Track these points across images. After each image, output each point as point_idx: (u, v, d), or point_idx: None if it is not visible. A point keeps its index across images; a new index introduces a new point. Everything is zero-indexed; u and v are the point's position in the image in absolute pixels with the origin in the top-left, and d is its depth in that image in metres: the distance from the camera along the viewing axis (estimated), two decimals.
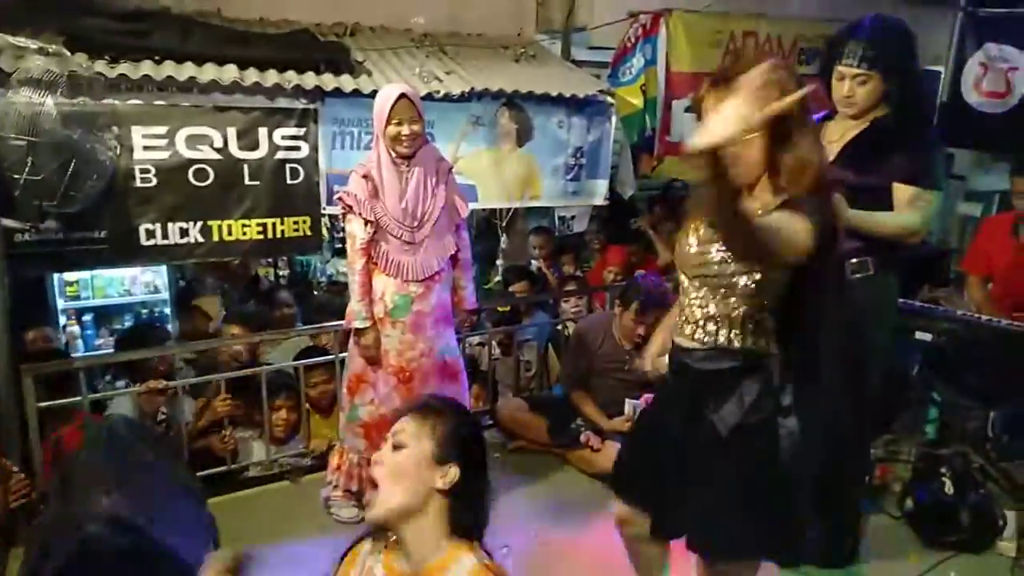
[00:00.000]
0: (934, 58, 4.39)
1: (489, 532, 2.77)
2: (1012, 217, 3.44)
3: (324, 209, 3.23)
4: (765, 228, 1.46)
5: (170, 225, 2.98)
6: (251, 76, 2.98)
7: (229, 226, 3.08)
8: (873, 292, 2.39)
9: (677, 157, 4.21)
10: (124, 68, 2.80)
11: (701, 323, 1.69)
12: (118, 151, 2.82)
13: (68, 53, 2.66)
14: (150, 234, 2.95)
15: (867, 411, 2.49)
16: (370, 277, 2.64)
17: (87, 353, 4.56)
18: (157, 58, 2.93)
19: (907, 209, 2.27)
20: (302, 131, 3.12)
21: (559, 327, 4.15)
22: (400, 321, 2.67)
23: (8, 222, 2.65)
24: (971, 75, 4.42)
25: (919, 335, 2.95)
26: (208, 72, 2.92)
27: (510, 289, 4.24)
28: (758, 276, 1.60)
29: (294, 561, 2.64)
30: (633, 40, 4.31)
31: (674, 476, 1.75)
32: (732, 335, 1.65)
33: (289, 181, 3.15)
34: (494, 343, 3.84)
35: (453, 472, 1.34)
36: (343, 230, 2.80)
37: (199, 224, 3.03)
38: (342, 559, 1.51)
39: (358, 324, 2.64)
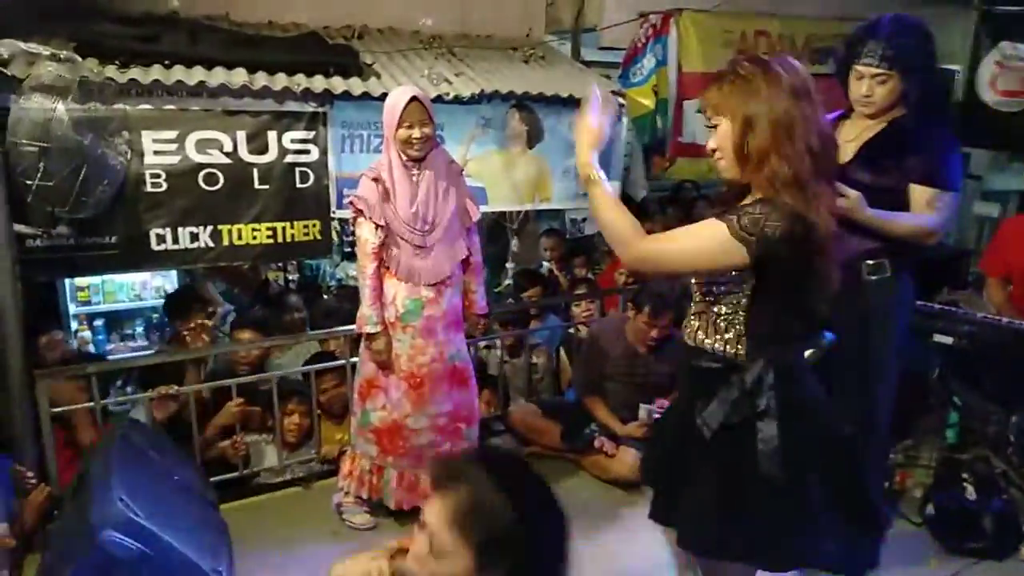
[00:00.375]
0: (949, 57, 4.34)
1: None
2: None
3: (334, 213, 3.22)
4: (652, 255, 1.58)
5: (180, 230, 2.97)
6: (260, 80, 2.97)
7: (239, 230, 3.07)
8: (891, 294, 2.36)
9: (689, 158, 4.18)
10: (134, 73, 2.80)
11: (691, 320, 1.74)
12: (129, 156, 2.81)
13: (79, 59, 2.65)
14: (160, 239, 2.94)
15: (885, 415, 2.46)
16: (381, 281, 2.63)
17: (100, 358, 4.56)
18: (167, 62, 2.92)
19: (925, 210, 2.24)
20: (311, 134, 3.11)
21: (571, 330, 4.12)
22: (411, 326, 2.65)
23: (20, 228, 2.66)
24: (987, 74, 4.37)
25: (938, 338, 2.90)
26: (217, 76, 2.91)
27: (522, 295, 4.21)
28: (725, 281, 1.62)
29: (306, 567, 2.63)
30: (643, 40, 4.28)
31: (672, 469, 1.80)
32: (711, 337, 1.67)
33: (299, 185, 3.14)
34: (500, 344, 3.82)
35: None
36: (353, 234, 2.79)
37: (209, 228, 3.02)
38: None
39: (369, 329, 2.63)
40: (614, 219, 1.64)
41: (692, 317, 1.73)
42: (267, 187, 3.07)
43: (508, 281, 4.57)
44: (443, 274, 2.66)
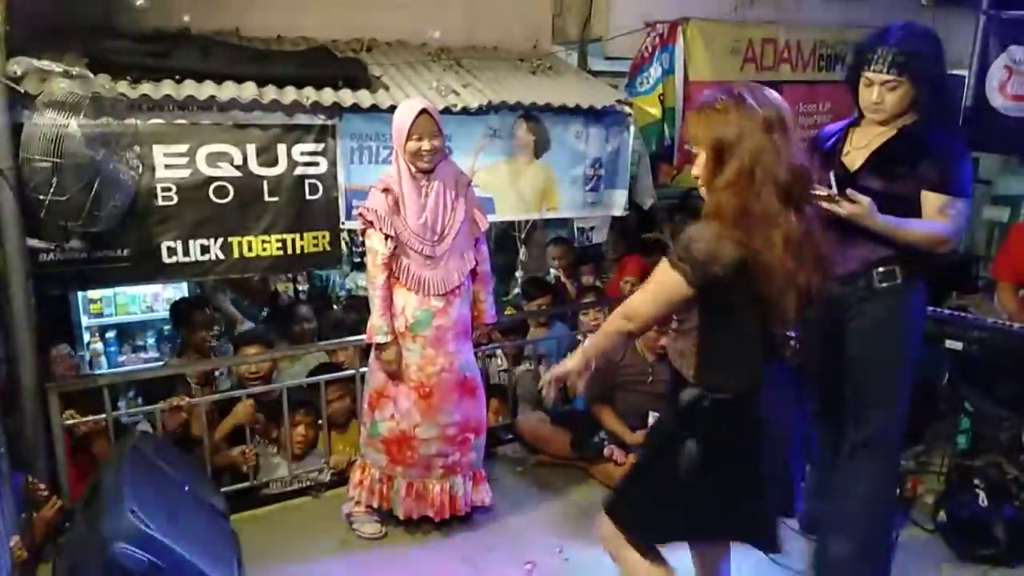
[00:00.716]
0: (957, 62, 4.32)
1: (513, 547, 2.76)
2: None
3: (343, 224, 3.24)
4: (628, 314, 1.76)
5: (191, 242, 3.00)
6: (270, 93, 3.00)
7: (249, 242, 3.09)
8: (901, 301, 2.35)
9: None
10: (145, 88, 2.84)
11: (670, 340, 1.90)
12: (140, 170, 2.85)
13: (91, 75, 2.69)
14: (172, 251, 2.97)
15: (899, 424, 2.45)
16: (391, 292, 2.64)
17: (110, 370, 4.60)
18: (178, 77, 2.96)
19: (937, 217, 2.23)
20: (321, 147, 3.14)
21: (579, 338, 4.12)
22: (421, 336, 2.66)
23: (34, 242, 2.69)
24: (995, 78, 4.35)
25: (949, 343, 2.88)
26: (228, 90, 2.95)
27: (532, 303, 4.21)
28: (683, 309, 1.75)
29: (318, 575, 2.63)
30: (650, 49, 4.29)
31: None
32: (676, 359, 1.83)
33: (308, 197, 3.17)
34: (501, 354, 3.82)
35: None
36: (362, 245, 2.81)
37: (220, 241, 3.04)
38: None
39: (380, 339, 2.64)
40: (601, 337, 1.89)
41: (670, 336, 1.91)
42: (277, 199, 3.10)
43: (517, 290, 4.58)
44: (452, 284, 2.68)
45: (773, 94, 1.65)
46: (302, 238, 3.18)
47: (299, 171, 3.12)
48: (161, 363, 3.98)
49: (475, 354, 2.94)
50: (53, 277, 2.81)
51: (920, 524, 2.83)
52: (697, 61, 4.19)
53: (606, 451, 3.24)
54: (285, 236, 3.14)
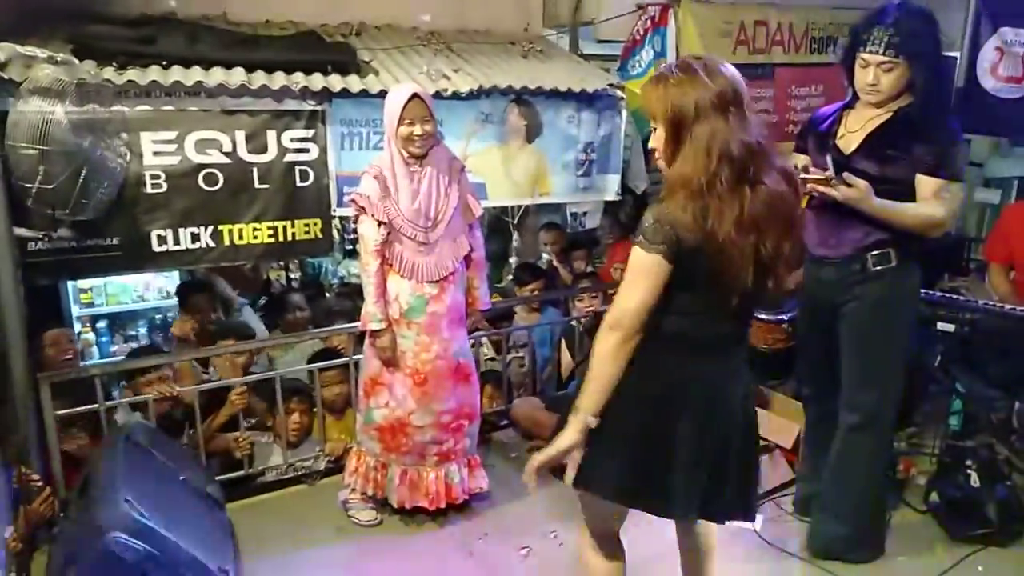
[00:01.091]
0: (949, 43, 4.31)
1: (508, 533, 2.76)
2: None
3: (334, 211, 3.22)
4: (617, 316, 1.63)
5: (181, 231, 2.97)
6: (258, 79, 2.96)
7: (240, 230, 3.07)
8: (896, 283, 2.35)
9: None
10: (132, 74, 2.79)
11: None
12: (128, 158, 2.81)
13: (76, 61, 2.65)
14: (162, 240, 2.94)
15: (891, 405, 2.46)
16: (384, 279, 2.63)
17: (101, 360, 4.58)
18: (164, 63, 2.92)
19: (932, 201, 2.23)
20: (311, 133, 3.11)
21: (572, 323, 4.12)
22: (415, 322, 2.65)
23: (21, 231, 2.66)
24: (987, 60, 4.34)
25: (941, 325, 2.90)
26: (215, 76, 2.91)
27: (524, 288, 4.20)
28: None
29: (312, 563, 2.64)
30: (642, 32, 4.26)
31: None
32: None
33: (299, 184, 3.14)
34: (487, 341, 3.82)
35: None
36: (354, 232, 2.79)
37: (210, 229, 3.01)
38: None
39: (374, 326, 2.63)
40: (600, 369, 1.67)
41: None
42: (267, 186, 3.07)
43: (510, 276, 4.57)
44: (446, 270, 2.66)
45: (728, 67, 1.62)
46: (293, 225, 3.16)
47: (289, 158, 3.09)
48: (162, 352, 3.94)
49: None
50: (42, 267, 2.77)
51: (912, 505, 2.85)
52: (689, 43, 4.15)
53: None
54: (276, 223, 3.12)
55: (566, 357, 4.06)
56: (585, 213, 5.26)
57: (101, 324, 5.00)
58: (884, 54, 2.20)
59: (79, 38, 2.86)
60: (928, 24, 2.24)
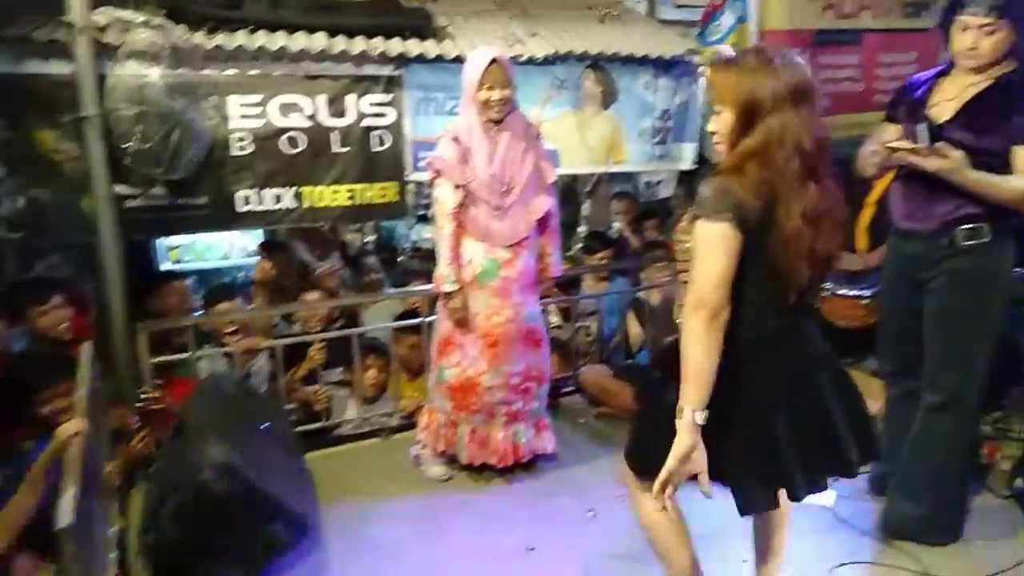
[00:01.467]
0: None
1: (574, 495, 2.79)
2: None
3: (409, 176, 3.27)
4: (696, 298, 1.55)
5: (264, 191, 3.09)
6: (339, 44, 3.02)
7: (320, 192, 3.16)
8: (987, 259, 2.24)
9: None
10: (220, 39, 2.90)
11: None
12: (216, 120, 2.93)
13: (171, 24, 2.76)
14: (246, 200, 3.07)
15: (978, 387, 2.37)
16: (459, 242, 2.67)
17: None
18: (251, 28, 3.01)
19: None
20: (388, 97, 3.16)
21: (640, 294, 4.09)
22: (488, 285, 2.69)
23: (120, 188, 2.81)
24: None
25: None
26: (298, 41, 2.98)
27: (594, 257, 4.18)
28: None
29: (387, 513, 2.74)
30: None
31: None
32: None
33: (375, 148, 3.21)
34: (555, 309, 3.82)
35: None
36: (429, 196, 2.83)
37: (292, 190, 3.13)
38: None
39: (447, 287, 2.68)
40: (695, 361, 1.56)
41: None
42: (346, 150, 3.15)
43: (579, 245, 4.56)
44: (519, 236, 2.68)
45: (800, 59, 1.59)
46: (370, 189, 3.24)
47: (367, 122, 3.16)
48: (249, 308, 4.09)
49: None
50: (138, 223, 2.94)
51: (996, 491, 2.75)
52: (773, 8, 3.99)
53: None
54: (353, 187, 3.20)
55: (635, 328, 4.04)
56: (659, 182, 5.19)
57: (188, 281, 5.23)
58: (985, 16, 2.07)
59: (171, 2, 2.96)
60: None
